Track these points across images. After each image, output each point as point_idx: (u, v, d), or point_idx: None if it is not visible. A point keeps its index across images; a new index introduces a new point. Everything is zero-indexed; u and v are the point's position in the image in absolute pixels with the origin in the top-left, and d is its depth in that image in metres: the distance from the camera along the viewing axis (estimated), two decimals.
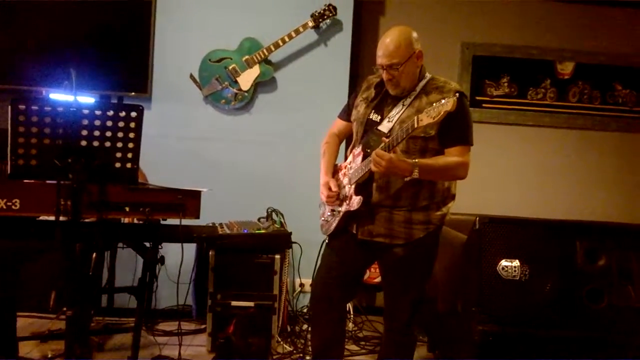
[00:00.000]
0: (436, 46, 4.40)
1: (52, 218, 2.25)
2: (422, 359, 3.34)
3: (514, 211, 4.04)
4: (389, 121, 2.31)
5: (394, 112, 2.32)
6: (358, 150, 2.39)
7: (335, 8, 3.87)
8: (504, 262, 2.18)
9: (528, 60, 4.43)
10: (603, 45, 4.43)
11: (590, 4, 4.40)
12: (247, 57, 3.86)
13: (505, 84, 4.44)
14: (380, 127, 2.31)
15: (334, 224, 2.46)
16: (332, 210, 2.48)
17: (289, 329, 3.60)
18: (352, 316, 3.76)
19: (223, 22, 3.94)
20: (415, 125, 2.06)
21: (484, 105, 4.41)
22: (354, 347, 3.47)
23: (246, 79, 3.89)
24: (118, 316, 3.61)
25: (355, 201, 2.31)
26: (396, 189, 2.30)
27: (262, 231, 3.35)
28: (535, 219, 2.36)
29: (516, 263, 2.18)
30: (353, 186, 2.35)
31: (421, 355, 3.36)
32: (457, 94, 2.15)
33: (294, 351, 3.33)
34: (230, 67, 3.87)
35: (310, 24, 3.84)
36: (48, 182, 2.31)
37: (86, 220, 2.41)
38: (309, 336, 3.50)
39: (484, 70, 4.42)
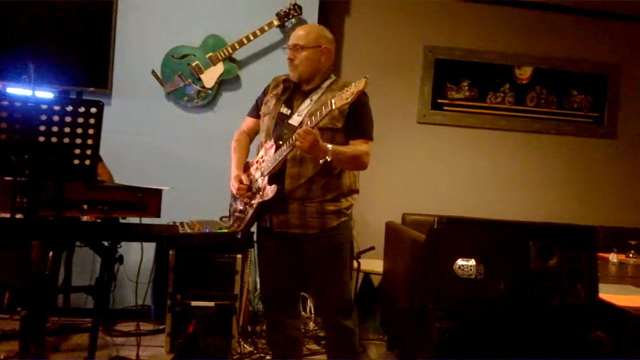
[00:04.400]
0: (399, 48, 4.47)
1: (8, 215, 2.20)
2: (382, 356, 3.38)
3: (471, 212, 4.14)
4: (298, 115, 2.43)
5: (302, 106, 2.44)
6: (270, 143, 2.48)
7: (300, 8, 3.89)
8: (460, 261, 2.22)
9: (488, 65, 4.54)
10: (560, 52, 4.58)
11: (549, 11, 4.54)
12: (211, 54, 3.84)
13: (466, 88, 4.53)
14: (290, 121, 2.42)
15: (247, 218, 2.51)
16: (245, 204, 2.53)
17: (249, 329, 3.60)
18: (312, 316, 3.78)
19: (187, 18, 3.91)
20: (332, 107, 2.17)
21: (444, 108, 4.50)
22: (314, 347, 3.49)
23: (210, 77, 3.87)
24: (75, 316, 3.52)
25: (269, 190, 2.39)
26: (307, 178, 2.39)
27: (224, 230, 3.33)
28: (491, 220, 2.43)
29: (472, 262, 2.22)
30: (266, 178, 2.43)
31: (381, 354, 3.41)
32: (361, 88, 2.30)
33: (255, 351, 3.33)
34: (193, 64, 3.84)
35: (276, 22, 3.85)
36: (4, 178, 2.25)
37: (43, 218, 2.35)
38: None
39: (446, 74, 4.51)
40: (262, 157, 2.51)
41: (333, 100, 2.17)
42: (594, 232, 2.36)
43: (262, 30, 3.82)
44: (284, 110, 2.50)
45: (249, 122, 2.74)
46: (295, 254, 2.51)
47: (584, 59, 4.59)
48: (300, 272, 2.60)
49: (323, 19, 4.12)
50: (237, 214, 2.60)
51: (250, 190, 2.49)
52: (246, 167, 2.61)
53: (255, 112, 2.69)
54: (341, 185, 2.46)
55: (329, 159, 2.24)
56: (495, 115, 4.56)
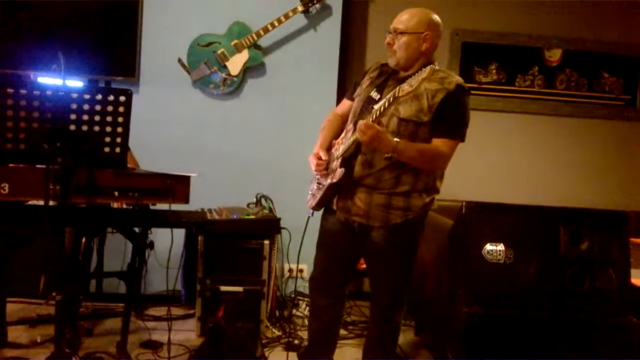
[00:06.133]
0: None
1: (41, 203, 2.25)
2: (409, 342, 3.39)
3: (500, 197, 4.08)
4: (386, 98, 2.28)
5: (391, 93, 2.28)
6: (350, 126, 2.42)
7: None
8: (488, 246, 2.22)
9: (516, 47, 4.44)
10: (590, 33, 4.46)
11: None
12: (236, 41, 3.85)
13: (494, 71, 4.46)
14: (375, 107, 2.28)
15: (318, 197, 2.49)
16: (319, 184, 2.51)
17: (277, 314, 3.64)
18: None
19: (212, 6, 3.92)
20: (397, 95, 2.08)
21: (472, 92, 4.40)
22: (342, 332, 3.49)
23: (235, 64, 3.88)
24: (107, 301, 3.61)
25: (338, 173, 2.34)
26: (379, 168, 2.32)
27: (251, 217, 3.36)
28: (520, 204, 2.40)
29: (501, 247, 2.21)
30: (339, 160, 2.38)
31: (408, 339, 3.41)
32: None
33: (283, 335, 3.36)
34: (219, 52, 3.85)
35: (300, 8, 3.83)
36: (37, 166, 2.30)
37: (75, 205, 2.41)
38: (295, 320, 3.57)
39: (473, 57, 4.43)
40: (342, 139, 2.47)
41: (400, 88, 2.07)
42: (626, 216, 2.32)
43: (286, 17, 3.81)
44: (374, 94, 2.40)
45: (344, 103, 2.65)
46: (353, 241, 2.47)
47: (615, 41, 4.47)
48: (352, 261, 2.58)
49: (347, 4, 4.08)
50: (311, 192, 2.59)
51: (327, 169, 2.44)
52: (329, 147, 2.54)
53: (351, 94, 2.60)
54: (417, 179, 2.34)
55: (395, 155, 2.18)
56: (525, 99, 4.47)
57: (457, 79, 2.36)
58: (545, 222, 2.26)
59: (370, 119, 2.19)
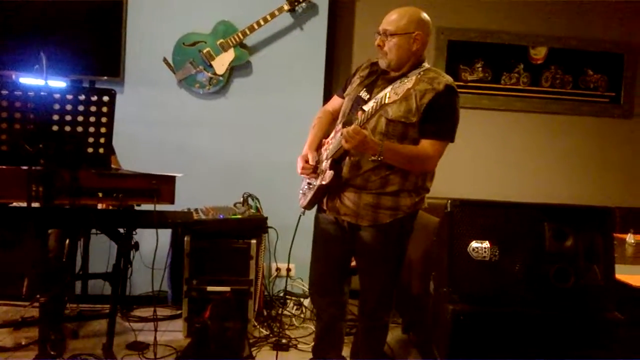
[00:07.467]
0: None
1: (24, 204, 2.23)
2: (397, 340, 3.39)
3: (488, 194, 4.12)
4: (374, 102, 2.25)
5: (381, 94, 2.24)
6: (339, 127, 2.41)
7: None
8: (474, 244, 2.22)
9: (502, 45, 4.47)
10: (576, 31, 4.49)
11: None
12: (221, 40, 3.83)
13: (480, 69, 4.48)
14: (365, 107, 2.25)
15: (309, 197, 2.48)
16: (309, 184, 2.51)
17: (265, 313, 3.63)
18: None
19: (197, 5, 3.90)
20: (383, 102, 2.04)
21: (458, 90, 4.44)
22: None
23: (221, 63, 3.86)
24: (92, 303, 3.59)
25: (327, 175, 2.33)
26: (367, 169, 2.31)
27: (238, 216, 3.35)
28: (505, 201, 2.40)
29: (486, 244, 2.22)
30: (329, 161, 2.37)
31: (395, 336, 3.42)
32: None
33: (271, 335, 3.36)
34: (204, 51, 3.83)
35: (286, 7, 3.82)
36: (19, 167, 2.28)
37: (59, 206, 2.38)
38: (284, 319, 3.57)
39: (459, 55, 4.45)
40: (331, 139, 2.46)
41: (386, 95, 2.03)
42: (610, 212, 2.33)
43: (272, 15, 3.79)
44: (363, 94, 2.39)
45: (335, 100, 2.63)
46: (344, 241, 2.47)
47: (599, 38, 4.50)
48: (346, 259, 2.57)
49: (333, 3, 4.08)
50: (302, 191, 2.58)
51: (315, 170, 2.43)
52: (320, 146, 2.53)
53: (342, 91, 2.58)
54: (404, 181, 2.33)
55: (380, 159, 2.16)
56: (510, 97, 4.50)
57: (447, 79, 2.33)
58: (530, 219, 2.27)
59: (358, 124, 2.17)
